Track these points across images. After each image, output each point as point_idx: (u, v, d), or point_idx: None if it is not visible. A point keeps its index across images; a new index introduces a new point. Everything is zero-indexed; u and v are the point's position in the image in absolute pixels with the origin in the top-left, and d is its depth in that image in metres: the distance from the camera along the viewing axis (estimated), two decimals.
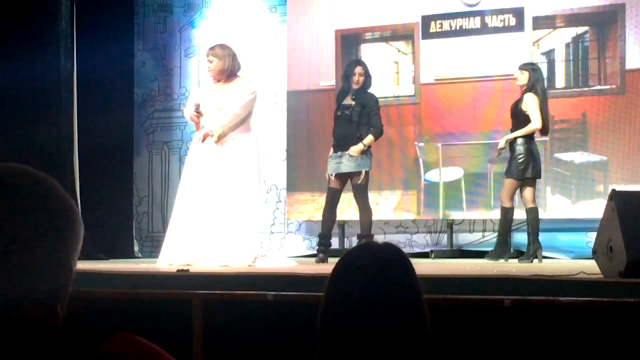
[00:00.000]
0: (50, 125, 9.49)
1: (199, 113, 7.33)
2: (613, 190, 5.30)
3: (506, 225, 8.09)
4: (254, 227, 7.30)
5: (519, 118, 7.96)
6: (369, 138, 8.00)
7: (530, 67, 8.16)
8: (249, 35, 10.54)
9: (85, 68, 9.97)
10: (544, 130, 8.06)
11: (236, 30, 10.57)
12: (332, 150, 8.19)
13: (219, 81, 7.44)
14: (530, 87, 7.97)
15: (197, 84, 10.83)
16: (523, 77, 8.02)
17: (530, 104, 7.90)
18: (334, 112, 8.29)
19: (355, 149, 7.94)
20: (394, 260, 1.99)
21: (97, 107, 10.08)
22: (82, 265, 3.64)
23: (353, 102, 8.09)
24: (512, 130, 8.01)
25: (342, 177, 8.05)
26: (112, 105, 10.32)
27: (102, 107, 10.14)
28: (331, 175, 8.05)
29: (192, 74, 10.96)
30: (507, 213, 8.05)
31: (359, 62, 8.52)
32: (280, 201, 10.48)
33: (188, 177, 7.41)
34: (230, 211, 7.10)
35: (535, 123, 7.86)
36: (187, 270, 6.05)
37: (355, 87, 8.12)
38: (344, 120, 8.07)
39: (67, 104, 9.66)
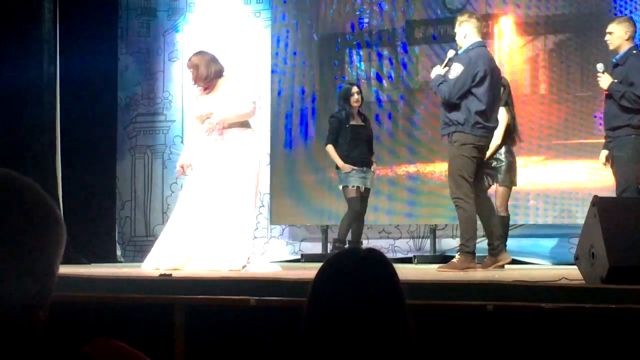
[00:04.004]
0: (32, 128, 9.45)
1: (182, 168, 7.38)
2: (595, 197, 5.32)
3: (506, 232, 8.12)
4: (247, 231, 7.21)
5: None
6: (374, 156, 8.95)
7: (506, 82, 8.20)
8: (232, 39, 10.53)
9: (69, 71, 9.94)
10: (512, 140, 8.13)
11: (220, 35, 10.56)
12: (346, 165, 8.71)
13: (205, 89, 7.35)
14: (505, 102, 8.02)
15: (180, 88, 10.82)
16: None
17: (500, 120, 7.97)
18: (343, 131, 8.76)
19: (375, 168, 8.91)
20: (377, 266, 1.99)
21: (80, 111, 10.06)
22: (64, 269, 3.63)
23: (364, 124, 8.89)
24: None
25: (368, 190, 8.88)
26: (95, 109, 10.30)
27: (85, 111, 10.12)
28: (360, 187, 8.73)
29: (175, 78, 10.94)
30: (505, 221, 8.10)
31: (353, 83, 9.17)
32: (263, 206, 10.47)
33: (190, 180, 7.36)
34: (223, 214, 7.03)
35: (496, 141, 7.92)
36: (170, 274, 6.04)
37: (355, 105, 8.76)
38: (361, 140, 8.79)
39: (50, 107, 9.63)
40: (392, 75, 10.03)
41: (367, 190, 8.81)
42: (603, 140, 7.68)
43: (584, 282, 5.22)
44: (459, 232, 8.64)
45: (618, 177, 7.17)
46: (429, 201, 9.70)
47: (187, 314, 4.82)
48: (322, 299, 1.96)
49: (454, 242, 9.42)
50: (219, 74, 7.30)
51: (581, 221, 5.57)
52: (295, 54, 10.46)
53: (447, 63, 7.34)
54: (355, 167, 8.73)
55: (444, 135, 7.32)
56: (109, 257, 10.20)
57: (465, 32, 7.25)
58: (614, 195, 7.68)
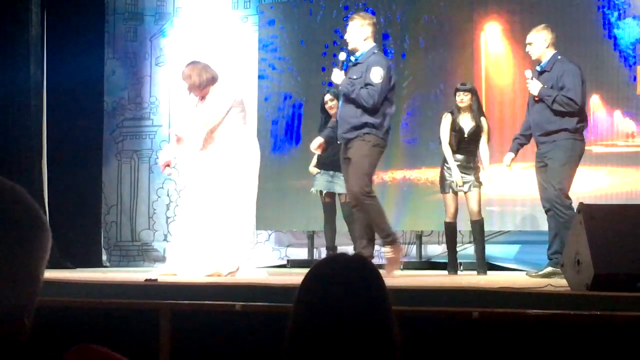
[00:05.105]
0: (19, 133, 9.44)
1: (168, 164, 7.28)
2: (581, 203, 5.33)
3: (483, 234, 8.17)
4: (239, 235, 7.17)
5: (478, 139, 8.10)
6: None
7: (472, 86, 8.26)
8: (220, 44, 10.53)
9: (55, 76, 9.94)
10: None
11: (207, 40, 10.56)
12: (315, 167, 8.88)
13: (201, 98, 7.28)
14: (481, 110, 8.13)
15: (167, 93, 10.81)
16: (467, 98, 8.10)
17: (485, 130, 8.11)
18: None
19: None
20: (363, 272, 1.99)
21: (66, 115, 10.05)
22: (50, 274, 3.62)
23: None
24: (472, 148, 8.10)
25: (333, 194, 8.83)
26: (82, 113, 10.29)
27: (72, 116, 10.10)
28: (322, 192, 8.85)
29: (162, 83, 10.93)
30: (484, 224, 8.14)
31: (328, 91, 8.97)
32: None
33: (186, 184, 7.34)
34: (215, 219, 6.99)
35: (486, 152, 8.14)
36: (156, 280, 6.03)
37: (331, 112, 8.65)
38: (334, 142, 8.35)
39: (36, 111, 9.62)
40: None
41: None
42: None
43: (569, 289, 5.23)
44: (442, 237, 8.67)
45: (552, 180, 7.15)
46: (415, 207, 9.70)
47: (172, 320, 4.81)
48: (308, 305, 1.96)
49: (440, 249, 9.44)
50: (212, 81, 7.23)
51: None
52: (282, 59, 10.46)
53: (341, 66, 7.23)
54: (320, 170, 8.85)
55: (350, 139, 7.11)
56: (95, 262, 10.18)
57: (367, 34, 7.14)
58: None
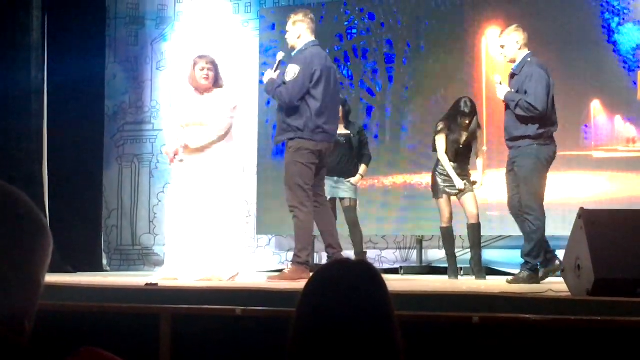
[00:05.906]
0: (19, 136, 9.44)
1: (174, 154, 7.19)
2: (581, 209, 5.33)
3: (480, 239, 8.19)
4: (237, 240, 7.18)
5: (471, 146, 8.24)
6: (364, 168, 8.81)
7: (475, 108, 8.30)
8: (221, 48, 10.53)
9: (56, 80, 9.94)
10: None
11: (208, 44, 10.56)
12: None
13: (205, 91, 7.25)
14: (478, 125, 8.27)
15: (168, 97, 10.80)
16: (470, 119, 8.19)
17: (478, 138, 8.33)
18: None
19: (356, 180, 8.74)
20: (367, 278, 1.98)
21: (67, 119, 10.05)
22: (50, 278, 3.62)
23: (348, 131, 8.68)
24: (466, 156, 8.23)
25: (334, 199, 8.65)
26: (83, 117, 10.29)
27: (73, 120, 10.11)
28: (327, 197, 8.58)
29: (163, 87, 10.93)
30: (481, 228, 8.16)
31: None
32: (250, 215, 10.47)
33: (177, 191, 7.29)
34: (214, 225, 7.00)
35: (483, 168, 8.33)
36: (156, 284, 6.02)
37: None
38: (339, 147, 8.37)
39: (37, 115, 9.62)
40: (380, 85, 10.04)
41: (351, 200, 8.73)
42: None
43: (570, 294, 5.23)
44: (441, 243, 8.66)
45: (522, 188, 7.13)
46: (415, 212, 9.70)
47: (173, 324, 4.80)
48: (310, 309, 1.96)
49: (441, 253, 9.43)
50: (221, 85, 7.29)
51: (568, 233, 5.58)
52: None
53: (277, 66, 7.16)
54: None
55: (279, 142, 7.09)
56: (95, 266, 10.18)
57: (300, 32, 7.09)
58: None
